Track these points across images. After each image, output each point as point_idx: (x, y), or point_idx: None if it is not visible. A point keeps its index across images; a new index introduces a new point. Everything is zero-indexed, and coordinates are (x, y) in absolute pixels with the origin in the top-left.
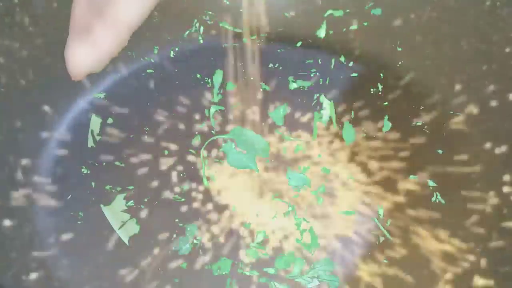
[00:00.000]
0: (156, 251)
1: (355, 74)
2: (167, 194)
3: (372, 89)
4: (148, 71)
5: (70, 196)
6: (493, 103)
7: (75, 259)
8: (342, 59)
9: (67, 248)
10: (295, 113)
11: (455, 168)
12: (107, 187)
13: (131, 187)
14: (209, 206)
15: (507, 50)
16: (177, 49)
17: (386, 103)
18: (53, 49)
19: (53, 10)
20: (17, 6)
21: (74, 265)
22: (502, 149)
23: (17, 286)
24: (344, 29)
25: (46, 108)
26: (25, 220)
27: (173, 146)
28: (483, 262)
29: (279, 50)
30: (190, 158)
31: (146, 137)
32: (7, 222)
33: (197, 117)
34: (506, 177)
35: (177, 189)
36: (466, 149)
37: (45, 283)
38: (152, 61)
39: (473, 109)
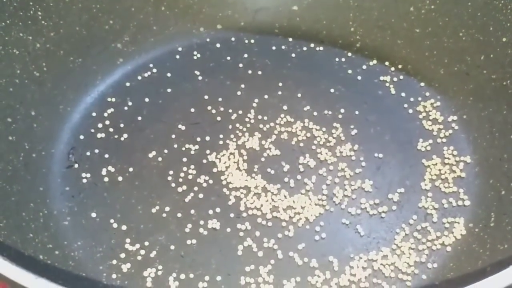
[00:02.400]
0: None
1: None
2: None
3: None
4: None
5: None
6: (491, 91)
7: (89, 240)
8: (343, 52)
9: (81, 230)
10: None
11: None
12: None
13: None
14: None
15: (504, 39)
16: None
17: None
18: (65, 42)
19: (66, 4)
20: (30, 0)
21: (88, 245)
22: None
23: (34, 265)
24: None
25: (59, 98)
26: (40, 204)
27: None
28: None
29: (283, 46)
30: None
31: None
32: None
33: None
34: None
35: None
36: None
37: (61, 263)
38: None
39: (471, 98)
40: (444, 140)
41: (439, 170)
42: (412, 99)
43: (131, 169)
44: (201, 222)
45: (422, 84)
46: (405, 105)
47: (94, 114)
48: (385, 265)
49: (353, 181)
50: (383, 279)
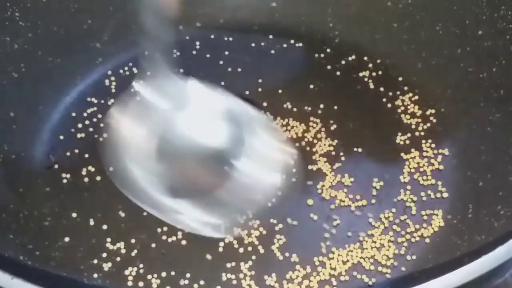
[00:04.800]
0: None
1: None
2: None
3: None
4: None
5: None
6: (468, 84)
7: (70, 240)
8: (322, 48)
9: (62, 230)
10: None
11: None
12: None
13: None
14: None
15: (480, 32)
16: None
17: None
18: (43, 43)
19: (43, 5)
20: (7, 1)
21: (69, 245)
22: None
23: (14, 267)
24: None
25: (39, 99)
26: (20, 205)
27: None
28: None
29: (262, 42)
30: None
31: None
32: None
33: None
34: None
35: None
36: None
37: (42, 264)
38: None
39: (448, 92)
40: (422, 133)
41: (418, 163)
42: (390, 94)
43: (111, 169)
44: None
45: (400, 78)
46: (384, 100)
47: (73, 114)
48: (365, 258)
49: (332, 176)
50: (363, 272)
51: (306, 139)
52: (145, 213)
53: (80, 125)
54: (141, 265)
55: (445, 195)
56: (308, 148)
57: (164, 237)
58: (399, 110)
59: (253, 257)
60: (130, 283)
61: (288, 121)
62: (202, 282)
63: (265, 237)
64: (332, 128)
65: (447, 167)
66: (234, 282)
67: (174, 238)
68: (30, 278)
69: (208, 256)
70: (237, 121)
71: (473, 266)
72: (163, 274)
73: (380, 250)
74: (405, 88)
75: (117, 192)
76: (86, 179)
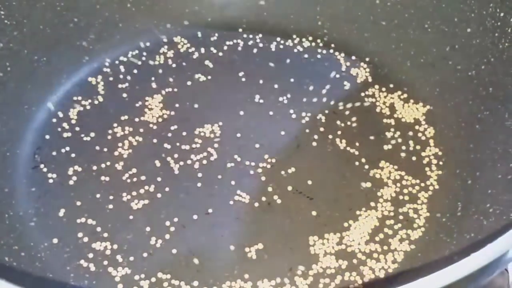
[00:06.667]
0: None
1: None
2: None
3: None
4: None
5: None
6: (456, 81)
7: (56, 241)
8: (311, 46)
9: (48, 230)
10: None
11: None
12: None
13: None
14: None
15: (469, 30)
16: None
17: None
18: (29, 41)
19: (29, 3)
20: None
21: (55, 246)
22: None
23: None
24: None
25: (24, 98)
26: (6, 205)
27: None
28: None
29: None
30: None
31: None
32: None
33: None
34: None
35: None
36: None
37: (27, 264)
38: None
39: (437, 90)
40: (410, 132)
41: (407, 161)
42: (379, 92)
43: (97, 168)
44: (169, 220)
45: (389, 76)
46: (373, 98)
47: (59, 113)
48: (354, 256)
49: (321, 174)
50: (353, 270)
51: (294, 139)
52: (132, 213)
53: (66, 125)
54: (128, 266)
55: (434, 193)
56: (296, 148)
57: (151, 238)
58: (388, 108)
59: (242, 255)
60: (117, 284)
61: (276, 119)
62: (191, 283)
63: (252, 235)
64: (321, 128)
65: (436, 165)
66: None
67: (162, 238)
68: (15, 280)
69: (196, 260)
70: None
71: (462, 265)
72: (151, 274)
73: (368, 248)
74: (394, 86)
75: (104, 192)
76: (72, 179)
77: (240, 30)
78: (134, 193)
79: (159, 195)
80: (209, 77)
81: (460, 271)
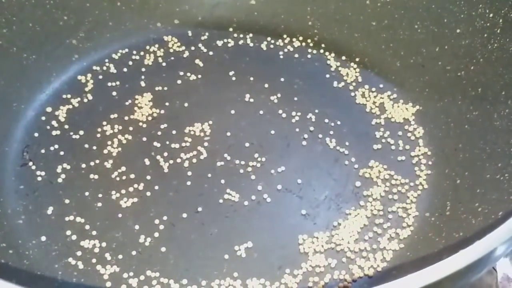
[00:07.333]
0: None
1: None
2: None
3: (328, 74)
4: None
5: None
6: (446, 82)
7: (44, 239)
8: (301, 46)
9: (36, 228)
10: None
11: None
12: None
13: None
14: None
15: (458, 31)
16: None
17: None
18: (18, 39)
19: (19, 1)
20: None
21: (43, 244)
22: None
23: None
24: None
25: (13, 96)
26: None
27: None
28: None
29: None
30: None
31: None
32: None
33: None
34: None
35: None
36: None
37: (15, 262)
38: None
39: (427, 90)
40: (400, 132)
41: (396, 160)
42: (369, 92)
43: (86, 166)
44: (158, 218)
45: (379, 77)
46: (362, 98)
47: (49, 111)
48: (343, 254)
49: (311, 173)
50: (342, 269)
51: (285, 138)
52: (120, 211)
53: (55, 123)
54: (117, 264)
55: (423, 192)
56: (286, 147)
57: (140, 235)
58: (377, 108)
59: (231, 254)
60: (105, 282)
61: (266, 118)
62: (180, 281)
63: (242, 234)
64: (311, 127)
65: (425, 165)
66: (213, 284)
67: (151, 236)
68: (3, 277)
69: (185, 255)
70: None
71: (450, 262)
72: (140, 272)
73: (358, 246)
74: (384, 86)
75: (93, 190)
76: (61, 177)
77: (231, 29)
78: (123, 191)
79: (148, 193)
80: (199, 76)
81: (449, 268)
